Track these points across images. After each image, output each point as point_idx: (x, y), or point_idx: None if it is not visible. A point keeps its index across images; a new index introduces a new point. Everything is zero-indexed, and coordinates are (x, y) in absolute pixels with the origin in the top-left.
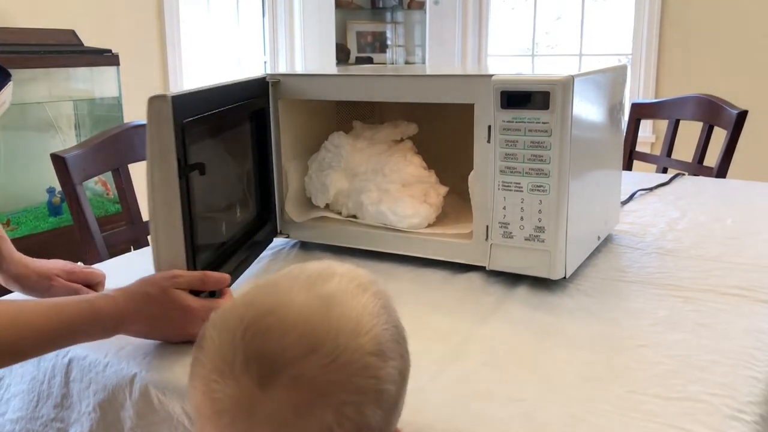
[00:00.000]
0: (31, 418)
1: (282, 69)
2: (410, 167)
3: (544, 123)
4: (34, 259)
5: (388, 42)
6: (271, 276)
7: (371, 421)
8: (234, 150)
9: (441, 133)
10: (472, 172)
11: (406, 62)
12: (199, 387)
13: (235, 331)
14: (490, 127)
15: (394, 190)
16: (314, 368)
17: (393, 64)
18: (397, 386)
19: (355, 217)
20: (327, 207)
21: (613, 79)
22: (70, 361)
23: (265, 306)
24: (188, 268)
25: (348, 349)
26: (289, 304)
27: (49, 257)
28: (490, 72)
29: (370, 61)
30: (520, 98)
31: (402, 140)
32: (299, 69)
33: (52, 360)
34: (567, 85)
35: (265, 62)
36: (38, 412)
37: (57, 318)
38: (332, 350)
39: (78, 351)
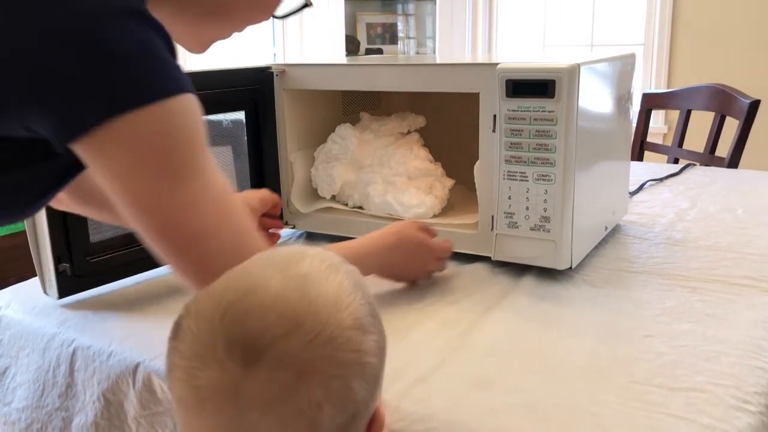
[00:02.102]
0: (36, 407)
1: (291, 61)
2: (416, 161)
3: (549, 112)
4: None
5: (399, 33)
6: (242, 264)
7: (357, 395)
8: (230, 139)
9: (448, 123)
10: (477, 162)
11: (417, 54)
12: (180, 377)
13: (213, 317)
14: (495, 116)
15: (399, 182)
16: (298, 345)
17: (404, 55)
18: (378, 359)
19: (361, 208)
20: (333, 198)
21: (621, 67)
22: (74, 351)
23: (241, 289)
24: None
25: (329, 324)
26: (266, 286)
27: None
28: (496, 60)
29: (380, 52)
30: (525, 87)
31: (409, 132)
32: (309, 61)
33: (57, 350)
34: (573, 73)
35: (274, 54)
36: (43, 402)
37: (355, 257)
38: (314, 326)
39: (82, 340)
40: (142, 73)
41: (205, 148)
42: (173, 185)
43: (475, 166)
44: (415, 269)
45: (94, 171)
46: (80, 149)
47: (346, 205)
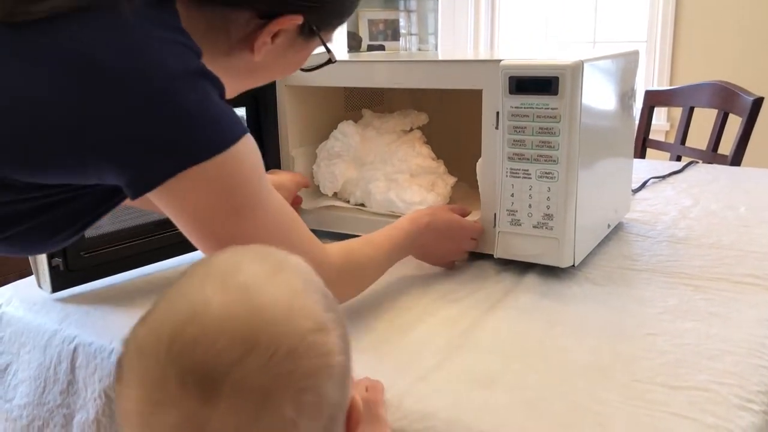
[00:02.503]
0: (38, 404)
1: None
2: (418, 158)
3: (552, 109)
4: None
5: (401, 30)
6: (174, 285)
7: (331, 399)
8: None
9: (451, 120)
10: (479, 159)
11: (419, 50)
12: (135, 423)
13: (158, 352)
14: (498, 113)
15: (402, 179)
16: (257, 367)
17: (406, 52)
18: (345, 355)
19: (363, 205)
20: (335, 195)
21: (625, 64)
22: (75, 348)
23: (181, 316)
24: None
25: (287, 335)
26: (206, 309)
27: None
28: (499, 57)
29: (381, 49)
30: (528, 84)
31: (411, 129)
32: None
33: (58, 346)
34: (576, 70)
35: None
36: (45, 398)
37: (392, 242)
38: (270, 342)
39: (84, 337)
40: (209, 128)
41: (264, 177)
42: (240, 217)
43: (477, 164)
44: (451, 249)
45: (165, 211)
46: (152, 196)
47: (348, 202)
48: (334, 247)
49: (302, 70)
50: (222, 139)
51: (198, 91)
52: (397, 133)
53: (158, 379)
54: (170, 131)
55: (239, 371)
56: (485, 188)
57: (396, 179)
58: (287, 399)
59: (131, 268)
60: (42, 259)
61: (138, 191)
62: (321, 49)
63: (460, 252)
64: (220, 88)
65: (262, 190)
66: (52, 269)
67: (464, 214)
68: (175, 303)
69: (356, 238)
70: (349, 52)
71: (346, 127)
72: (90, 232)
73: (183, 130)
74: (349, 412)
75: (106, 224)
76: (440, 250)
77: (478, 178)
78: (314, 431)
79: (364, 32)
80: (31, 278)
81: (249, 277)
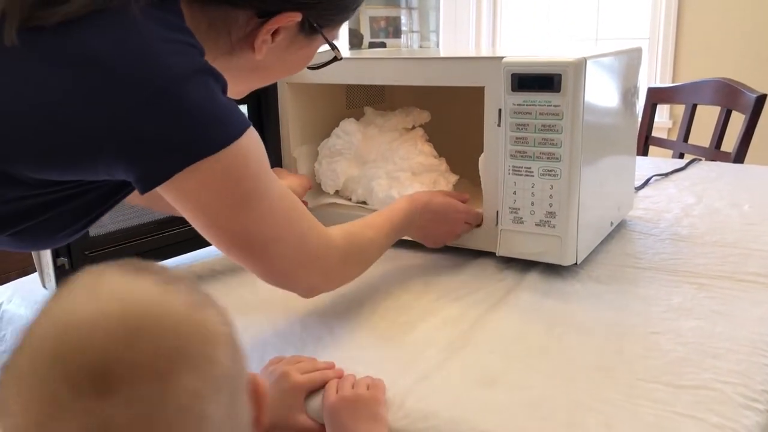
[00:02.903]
0: None
1: None
2: (420, 156)
3: (555, 106)
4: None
5: (403, 27)
6: (37, 314)
7: (226, 367)
8: None
9: (453, 117)
10: (481, 156)
11: (421, 47)
12: None
13: (40, 370)
14: (500, 110)
15: (404, 178)
16: (144, 351)
17: (408, 49)
18: (228, 326)
19: (364, 203)
20: (336, 193)
21: (627, 61)
22: None
23: (57, 329)
24: None
25: (167, 315)
26: (81, 313)
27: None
28: (501, 54)
29: (383, 46)
30: (531, 81)
31: (413, 128)
32: None
33: None
34: (579, 67)
35: None
36: None
37: (392, 222)
38: (152, 326)
39: None
40: (214, 123)
41: (268, 169)
42: (247, 209)
43: (479, 159)
44: (446, 231)
45: (175, 206)
46: (162, 191)
47: (350, 200)
48: (337, 231)
49: (308, 68)
50: (227, 133)
51: (203, 89)
52: (398, 131)
53: (48, 394)
54: (177, 128)
55: (128, 359)
56: (487, 186)
57: (398, 177)
58: (184, 373)
59: None
60: (47, 259)
61: (147, 186)
62: (328, 46)
63: (454, 235)
64: (222, 84)
65: (267, 181)
66: (57, 269)
67: (462, 201)
68: (46, 322)
69: (356, 221)
70: (350, 49)
71: (348, 125)
72: (94, 231)
73: (189, 126)
74: (254, 391)
75: (111, 223)
76: (436, 232)
77: (480, 173)
78: (220, 404)
79: (365, 29)
80: (32, 276)
81: (113, 281)
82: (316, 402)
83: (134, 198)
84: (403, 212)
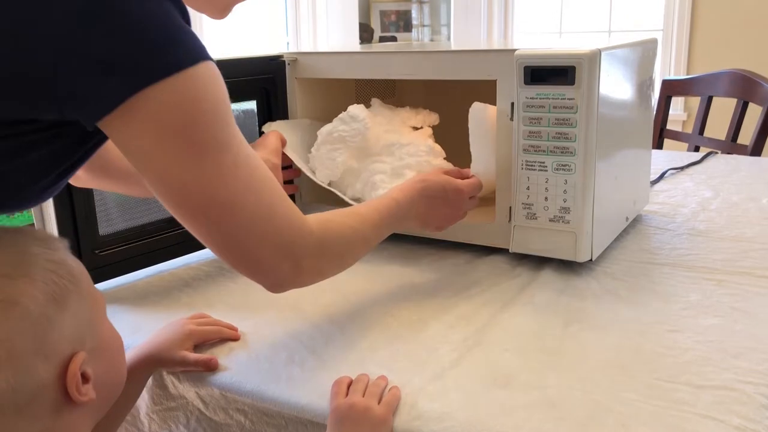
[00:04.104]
0: None
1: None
2: (429, 155)
3: (569, 99)
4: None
5: (414, 21)
6: None
7: (19, 347)
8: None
9: (464, 112)
10: (473, 105)
11: (432, 41)
12: None
13: None
14: (513, 104)
15: (409, 176)
16: None
17: (418, 42)
18: (43, 309)
19: (359, 200)
20: (329, 185)
21: (642, 53)
22: None
23: None
24: None
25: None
26: None
27: None
28: (513, 46)
29: (393, 40)
30: (544, 73)
31: (421, 128)
32: (322, 49)
33: None
34: (593, 59)
35: (287, 42)
36: None
37: (379, 212)
38: None
39: None
40: (163, 45)
41: (231, 118)
42: (203, 156)
43: (470, 109)
44: (449, 214)
45: (123, 150)
46: (109, 128)
47: (345, 194)
48: (313, 217)
49: None
50: (180, 57)
51: (155, 4)
52: (406, 128)
53: None
54: (122, 47)
55: None
56: (500, 181)
57: (403, 174)
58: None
59: (147, 266)
60: None
61: (92, 118)
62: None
63: (460, 215)
64: (182, 10)
65: (229, 132)
66: None
67: (463, 177)
68: None
69: (337, 210)
70: (361, 43)
71: (357, 110)
72: (104, 230)
73: (137, 45)
74: (67, 379)
75: (120, 221)
76: (438, 217)
77: (469, 124)
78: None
79: (376, 24)
80: None
81: None
82: (325, 398)
83: (127, 187)
84: (396, 202)
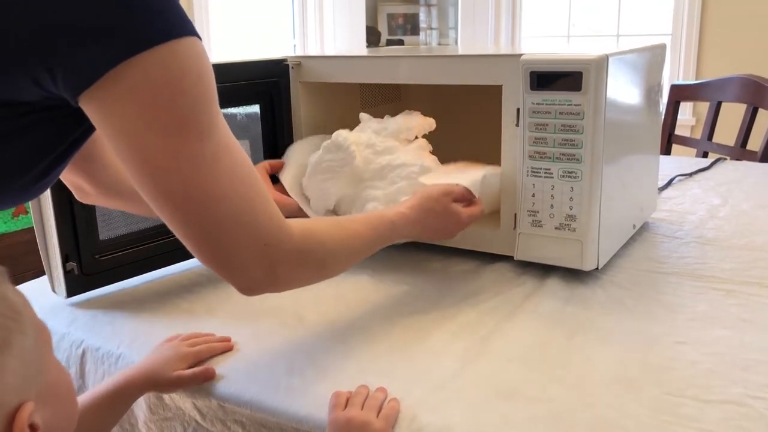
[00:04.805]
0: None
1: (309, 53)
2: (422, 175)
3: (576, 105)
4: None
5: (421, 24)
6: None
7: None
8: (244, 133)
9: (470, 117)
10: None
11: (439, 45)
12: None
13: None
14: (518, 109)
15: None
16: None
17: (425, 46)
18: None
19: None
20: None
21: (651, 58)
22: (83, 352)
23: None
24: None
25: None
26: None
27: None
28: (519, 51)
29: (401, 43)
30: (550, 79)
31: (416, 138)
32: (328, 52)
33: (66, 350)
34: (600, 64)
35: (294, 46)
36: None
37: (371, 227)
38: None
39: (91, 342)
40: (146, 16)
41: (215, 101)
42: (184, 140)
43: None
44: (444, 232)
45: (103, 130)
46: (88, 106)
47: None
48: (295, 223)
49: None
50: (165, 29)
51: None
52: (399, 141)
53: None
54: (103, 15)
55: None
56: (505, 188)
57: (397, 200)
58: None
59: (147, 271)
60: (56, 264)
61: (73, 91)
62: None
63: (450, 236)
64: None
65: (213, 116)
66: (67, 273)
67: (469, 200)
68: None
69: (324, 218)
70: (368, 47)
71: (341, 138)
72: (105, 234)
73: (119, 15)
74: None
75: (121, 226)
76: (431, 235)
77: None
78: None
79: (383, 27)
80: (39, 280)
81: None
82: (324, 409)
83: (133, 207)
84: (391, 225)
